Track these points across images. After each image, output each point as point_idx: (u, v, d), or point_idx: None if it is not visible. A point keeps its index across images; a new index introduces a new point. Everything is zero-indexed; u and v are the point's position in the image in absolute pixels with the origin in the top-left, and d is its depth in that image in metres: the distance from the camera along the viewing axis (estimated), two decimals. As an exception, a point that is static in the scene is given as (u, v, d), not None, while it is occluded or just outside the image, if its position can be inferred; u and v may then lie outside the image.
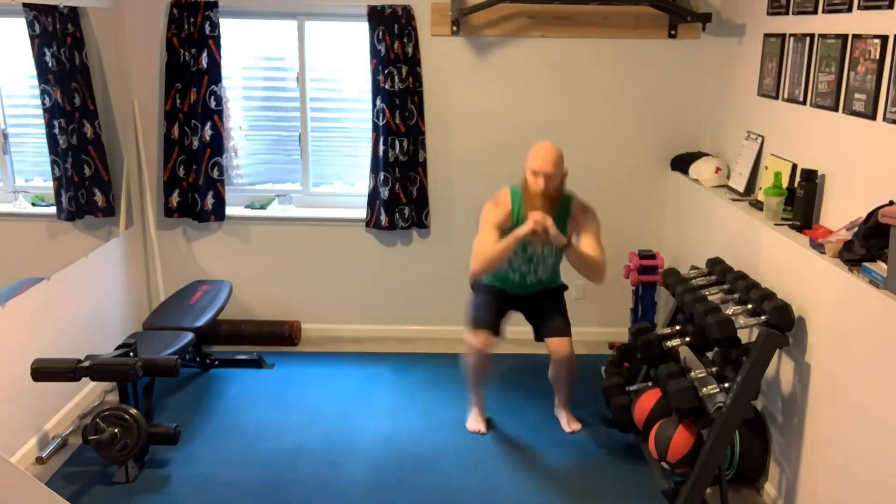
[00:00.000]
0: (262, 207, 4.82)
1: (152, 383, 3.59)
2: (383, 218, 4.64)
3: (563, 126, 4.65)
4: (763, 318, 3.01)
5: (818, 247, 2.89)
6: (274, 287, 4.89)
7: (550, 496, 3.31)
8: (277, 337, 4.74)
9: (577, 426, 3.84)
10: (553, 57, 4.56)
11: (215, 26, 4.45)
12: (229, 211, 4.75)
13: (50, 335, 3.66)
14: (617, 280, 4.80)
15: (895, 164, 2.71)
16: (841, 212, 3.06)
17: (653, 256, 4.40)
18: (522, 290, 3.83)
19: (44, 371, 3.31)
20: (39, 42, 3.75)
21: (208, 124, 4.56)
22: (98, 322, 4.16)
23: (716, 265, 3.62)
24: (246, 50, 4.69)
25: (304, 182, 4.88)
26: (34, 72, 3.79)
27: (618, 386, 3.81)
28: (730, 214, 3.74)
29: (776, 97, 3.66)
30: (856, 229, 2.71)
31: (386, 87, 4.47)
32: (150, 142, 4.66)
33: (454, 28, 4.49)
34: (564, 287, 3.96)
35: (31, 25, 3.70)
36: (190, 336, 3.90)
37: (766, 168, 3.67)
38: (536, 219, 3.44)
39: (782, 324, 2.96)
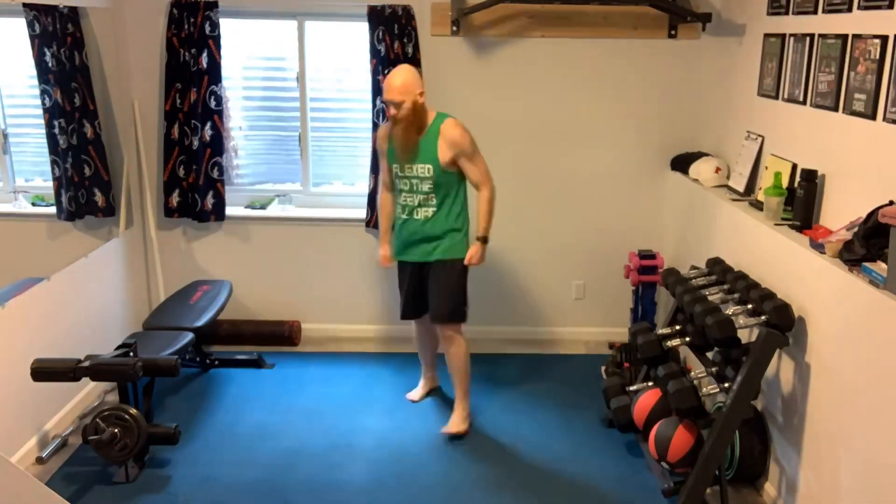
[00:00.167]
0: (262, 207, 4.82)
1: (152, 383, 3.59)
2: (383, 218, 4.64)
3: (563, 126, 4.65)
4: (763, 318, 3.01)
5: (818, 247, 2.89)
6: (274, 287, 4.89)
7: (550, 496, 3.31)
8: (277, 337, 4.74)
9: (457, 429, 3.72)
10: (553, 57, 4.56)
11: (215, 26, 4.45)
12: (229, 211, 4.75)
13: (50, 335, 3.66)
14: (617, 280, 4.80)
15: (895, 164, 2.71)
16: (841, 212, 3.06)
17: (653, 256, 4.40)
18: (412, 237, 3.69)
19: (44, 371, 3.31)
20: (39, 42, 3.75)
21: (208, 124, 4.56)
22: (98, 322, 4.16)
23: (716, 265, 3.62)
24: (246, 50, 4.69)
25: (304, 182, 4.88)
26: (34, 72, 3.80)
27: (618, 386, 3.81)
28: (730, 214, 3.74)
29: (776, 97, 3.66)
30: (856, 229, 2.71)
31: (386, 87, 4.47)
32: (150, 142, 4.66)
33: (454, 28, 4.49)
34: (460, 262, 3.70)
35: (31, 25, 3.70)
36: (190, 336, 3.90)
37: (766, 168, 3.67)
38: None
39: (782, 324, 2.96)
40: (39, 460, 3.47)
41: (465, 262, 3.68)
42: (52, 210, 3.97)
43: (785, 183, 3.41)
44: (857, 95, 2.95)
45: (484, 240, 3.69)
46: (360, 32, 4.59)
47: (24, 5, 3.64)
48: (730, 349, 3.13)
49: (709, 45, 4.52)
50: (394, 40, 4.42)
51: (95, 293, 4.14)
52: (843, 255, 2.72)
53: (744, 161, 3.95)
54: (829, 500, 2.78)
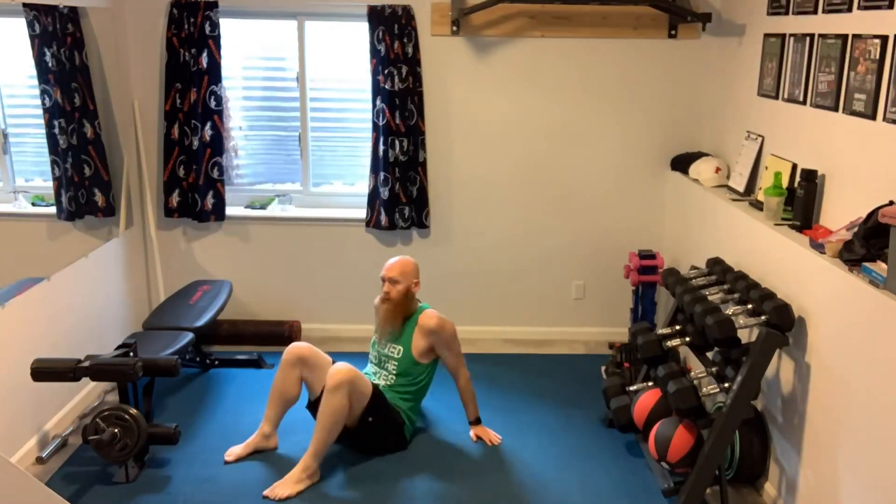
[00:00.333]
0: (262, 207, 4.82)
1: (152, 383, 3.59)
2: (383, 218, 4.65)
3: (563, 126, 4.66)
4: (763, 318, 3.01)
5: (818, 247, 2.89)
6: (274, 287, 4.89)
7: (550, 496, 3.31)
8: (277, 337, 4.74)
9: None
10: (553, 57, 4.56)
11: (215, 26, 4.45)
12: (229, 211, 4.75)
13: (50, 335, 3.66)
14: (617, 280, 4.80)
15: (895, 164, 2.71)
16: (841, 212, 3.06)
17: (653, 256, 4.40)
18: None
19: (44, 371, 3.30)
20: (39, 42, 3.75)
21: (208, 124, 4.56)
22: (98, 322, 4.16)
23: (716, 265, 3.62)
24: (246, 50, 4.69)
25: (304, 182, 4.88)
26: (34, 72, 3.79)
27: (618, 386, 3.81)
28: (730, 214, 3.74)
29: (776, 97, 3.66)
30: (856, 229, 2.71)
31: (386, 87, 4.47)
32: (150, 142, 4.66)
33: (454, 28, 4.49)
34: (398, 422, 3.57)
35: (31, 25, 3.70)
36: (190, 336, 3.90)
37: (766, 168, 3.67)
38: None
39: (782, 324, 2.96)
40: (39, 460, 3.47)
41: (487, 443, 3.72)
42: (52, 210, 3.97)
43: (785, 183, 3.41)
44: (857, 95, 2.95)
45: (479, 420, 3.77)
46: (360, 32, 4.59)
47: (24, 5, 3.63)
48: (730, 349, 3.14)
49: (709, 45, 4.53)
50: (394, 40, 4.42)
51: (95, 293, 4.14)
52: (843, 255, 2.72)
53: (744, 161, 3.95)
54: (829, 500, 2.78)
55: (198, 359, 4.41)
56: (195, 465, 3.48)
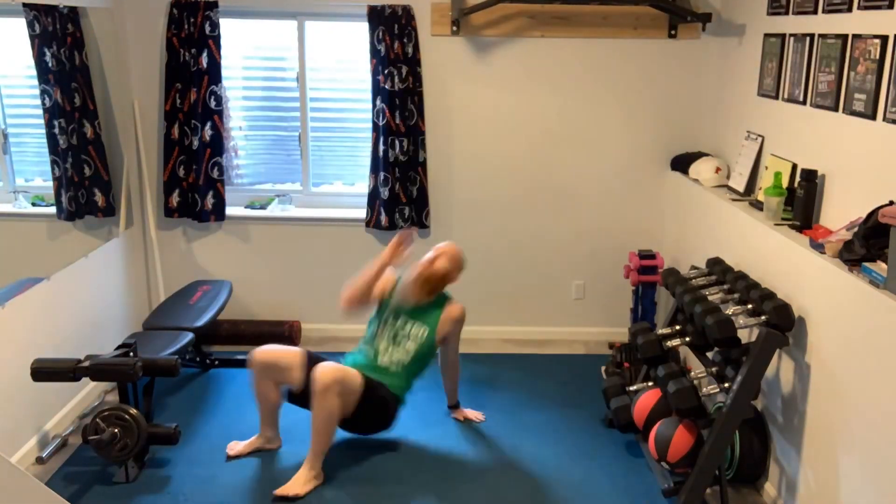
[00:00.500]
0: (262, 207, 4.82)
1: (152, 383, 3.59)
2: (383, 218, 4.65)
3: (563, 125, 4.66)
4: (763, 318, 3.01)
5: (818, 247, 2.89)
6: (274, 287, 4.89)
7: (550, 496, 3.31)
8: (277, 337, 4.73)
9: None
10: (553, 57, 4.56)
11: (215, 26, 4.45)
12: (229, 211, 4.75)
13: (50, 335, 3.66)
14: (617, 280, 4.80)
15: (895, 164, 2.71)
16: (841, 212, 3.06)
17: (653, 256, 4.40)
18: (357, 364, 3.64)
19: (44, 371, 3.30)
20: (39, 42, 3.75)
21: (208, 124, 4.56)
22: (98, 322, 4.16)
23: (716, 265, 3.62)
24: (246, 50, 4.69)
25: (304, 182, 4.88)
26: (34, 72, 3.79)
27: (618, 386, 3.81)
28: (730, 214, 3.74)
29: (776, 97, 3.66)
30: (856, 229, 2.71)
31: (386, 87, 4.47)
32: (150, 142, 4.66)
33: (454, 28, 4.49)
34: (395, 399, 3.60)
35: (31, 25, 3.70)
36: (190, 336, 3.90)
37: (766, 168, 3.67)
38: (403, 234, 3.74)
39: (782, 324, 2.96)
40: (39, 460, 3.46)
41: (475, 420, 3.91)
42: (52, 210, 3.97)
43: (785, 183, 3.41)
44: (857, 95, 2.95)
45: (458, 403, 3.98)
46: (360, 32, 4.59)
47: (24, 5, 3.63)
48: (730, 349, 3.14)
49: (709, 45, 4.53)
50: (394, 40, 4.42)
51: (95, 293, 4.14)
52: (843, 255, 2.72)
53: (744, 161, 3.95)
54: (829, 500, 2.78)
55: (198, 359, 4.41)
56: (195, 464, 3.48)
